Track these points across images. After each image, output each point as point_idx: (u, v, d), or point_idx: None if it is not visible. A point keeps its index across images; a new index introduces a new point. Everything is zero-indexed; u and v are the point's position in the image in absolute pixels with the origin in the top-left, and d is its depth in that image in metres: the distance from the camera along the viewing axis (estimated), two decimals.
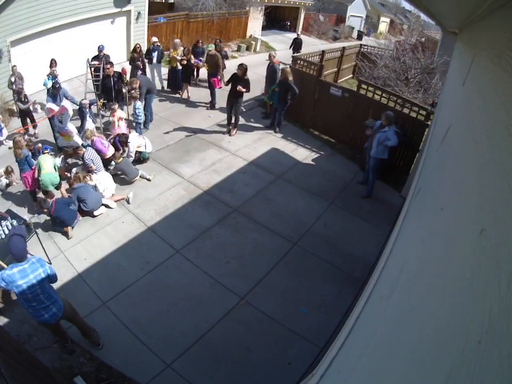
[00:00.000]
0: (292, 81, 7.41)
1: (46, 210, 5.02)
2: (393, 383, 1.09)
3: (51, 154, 5.45)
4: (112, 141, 6.44)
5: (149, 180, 6.17)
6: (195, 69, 9.74)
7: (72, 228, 4.98)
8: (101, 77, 7.50)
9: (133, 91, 6.94)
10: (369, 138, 6.25)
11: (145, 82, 7.42)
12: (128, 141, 6.32)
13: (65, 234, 4.93)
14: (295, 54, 12.91)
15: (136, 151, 6.44)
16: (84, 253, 4.74)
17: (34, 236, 4.51)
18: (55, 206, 4.79)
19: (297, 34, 14.09)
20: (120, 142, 6.38)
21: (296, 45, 13.72)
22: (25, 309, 3.12)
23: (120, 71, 7.70)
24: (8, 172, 5.52)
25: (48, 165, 5.15)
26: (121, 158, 6.08)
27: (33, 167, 5.25)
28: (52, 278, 3.14)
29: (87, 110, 6.78)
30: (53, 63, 7.62)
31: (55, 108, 6.41)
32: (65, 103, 6.51)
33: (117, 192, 5.82)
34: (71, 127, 6.53)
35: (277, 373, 3.59)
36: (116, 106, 6.78)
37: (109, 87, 7.34)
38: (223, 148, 7.37)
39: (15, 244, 2.97)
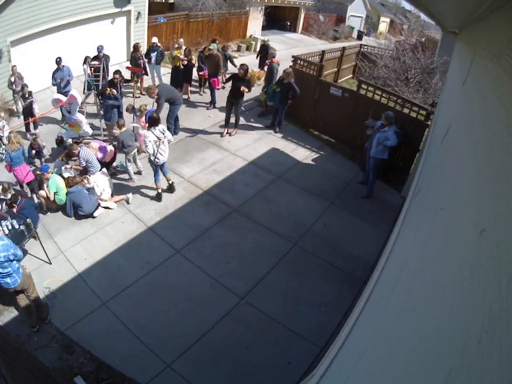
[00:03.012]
0: (294, 81, 7.43)
1: (14, 205, 4.67)
2: (393, 383, 1.09)
3: (52, 172, 5.48)
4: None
5: (127, 201, 5.67)
6: (202, 78, 9.45)
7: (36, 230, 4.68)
8: (101, 77, 7.48)
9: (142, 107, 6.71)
10: (369, 138, 6.25)
11: (165, 91, 6.77)
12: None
13: (34, 237, 4.64)
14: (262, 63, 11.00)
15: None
16: (84, 253, 4.74)
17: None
18: (23, 204, 4.68)
19: (263, 41, 11.42)
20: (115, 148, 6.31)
21: (263, 52, 10.97)
22: None
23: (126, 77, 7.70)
24: (4, 190, 5.00)
25: (63, 183, 5.36)
26: (124, 128, 5.87)
27: (23, 168, 5.41)
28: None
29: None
30: (87, 59, 7.85)
31: (63, 98, 6.34)
32: (74, 92, 6.43)
33: (116, 193, 5.82)
34: (80, 116, 6.48)
35: (277, 373, 3.59)
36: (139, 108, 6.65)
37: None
38: (223, 148, 7.37)
39: None
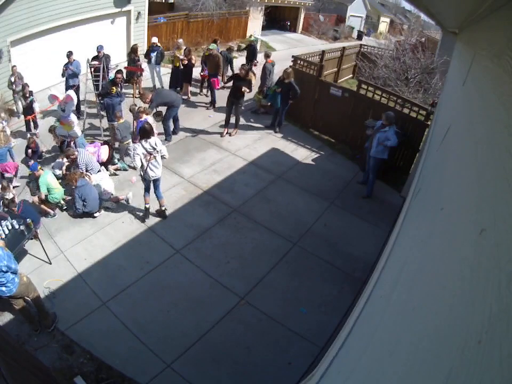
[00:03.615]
0: (294, 81, 7.43)
1: (14, 209, 4.71)
2: (393, 383, 1.09)
3: (42, 169, 5.39)
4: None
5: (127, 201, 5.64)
6: (205, 78, 9.32)
7: (36, 231, 4.67)
8: (101, 77, 7.48)
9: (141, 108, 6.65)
10: (369, 138, 6.25)
11: (158, 98, 6.65)
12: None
13: (35, 237, 4.64)
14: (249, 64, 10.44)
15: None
16: (84, 253, 4.74)
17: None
18: (23, 206, 4.70)
19: (250, 40, 11.14)
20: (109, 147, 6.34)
21: (250, 53, 10.72)
22: None
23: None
24: (4, 189, 5.09)
25: (55, 182, 5.35)
26: (123, 120, 6.16)
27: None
28: None
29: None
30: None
31: (59, 95, 6.37)
32: (71, 92, 6.45)
33: (116, 192, 5.82)
34: (73, 117, 6.50)
35: (277, 373, 3.59)
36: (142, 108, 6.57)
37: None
38: (223, 148, 7.37)
39: None
